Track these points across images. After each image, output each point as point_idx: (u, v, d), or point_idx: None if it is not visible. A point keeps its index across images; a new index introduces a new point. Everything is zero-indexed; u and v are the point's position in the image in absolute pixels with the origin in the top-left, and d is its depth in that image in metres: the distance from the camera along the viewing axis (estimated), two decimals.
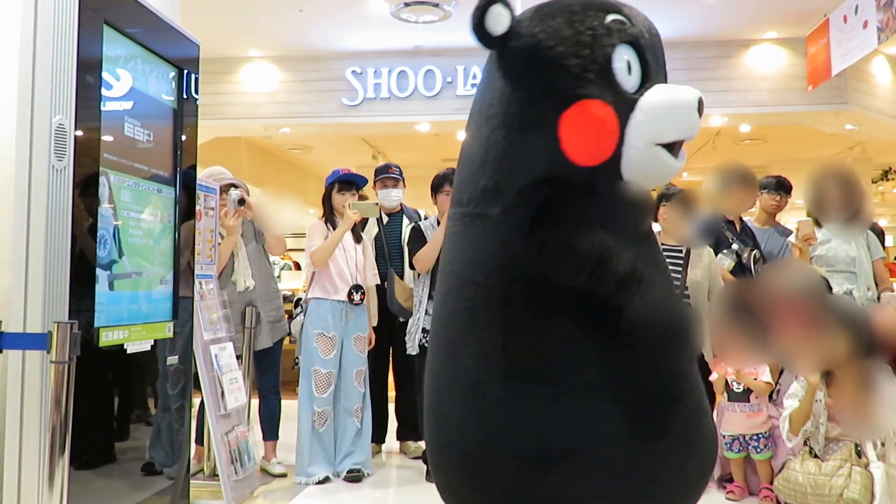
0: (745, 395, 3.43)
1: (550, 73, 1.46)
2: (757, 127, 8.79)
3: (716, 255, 3.77)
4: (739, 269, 3.78)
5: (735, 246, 3.84)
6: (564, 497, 1.50)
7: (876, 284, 3.86)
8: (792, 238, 4.01)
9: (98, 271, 2.27)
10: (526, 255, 1.47)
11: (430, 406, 1.70)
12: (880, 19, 5.31)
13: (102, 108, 2.30)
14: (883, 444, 2.91)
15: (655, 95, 1.47)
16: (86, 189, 2.22)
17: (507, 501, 1.55)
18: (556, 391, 1.49)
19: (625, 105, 1.45)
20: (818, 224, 3.83)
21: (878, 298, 3.77)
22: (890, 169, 11.44)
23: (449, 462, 1.64)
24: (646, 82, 1.50)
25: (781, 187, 4.44)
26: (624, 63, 1.48)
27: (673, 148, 1.48)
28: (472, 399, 1.56)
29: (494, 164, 1.51)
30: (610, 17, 1.49)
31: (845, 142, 9.48)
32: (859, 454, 2.93)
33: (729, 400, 3.46)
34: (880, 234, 4.29)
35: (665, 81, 1.57)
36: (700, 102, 1.47)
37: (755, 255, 3.79)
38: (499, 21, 1.47)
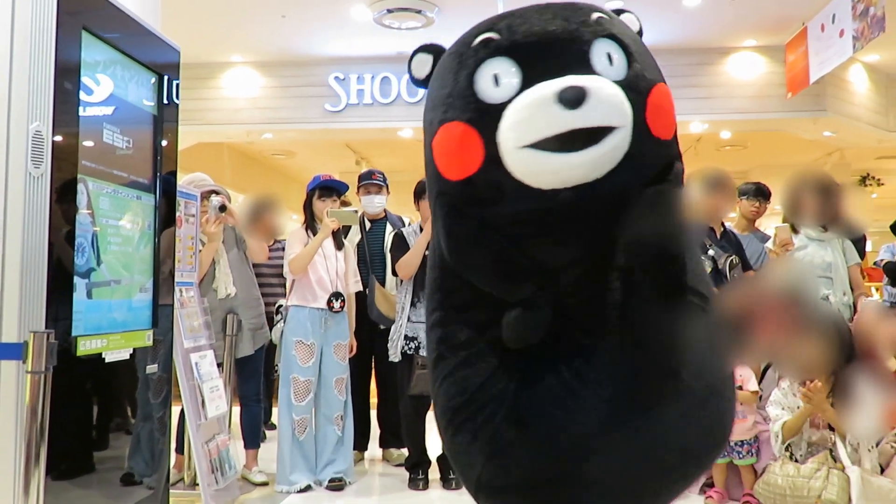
0: None
1: (432, 109, 1.55)
2: (737, 133, 8.88)
3: None
4: (715, 275, 3.80)
5: (711, 252, 3.87)
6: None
7: (852, 290, 3.90)
8: (770, 244, 4.06)
9: (76, 279, 2.25)
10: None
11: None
12: (856, 28, 5.40)
13: (81, 115, 2.28)
14: (856, 450, 2.95)
15: (520, 97, 1.41)
16: (63, 196, 2.20)
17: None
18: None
19: (489, 116, 1.43)
20: (795, 230, 3.87)
21: (854, 303, 3.82)
22: (868, 175, 11.59)
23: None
24: (530, 84, 1.42)
25: (760, 193, 4.49)
26: (489, 77, 1.45)
27: (565, 144, 1.38)
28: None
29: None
30: (479, 39, 1.52)
31: (824, 148, 9.60)
32: (835, 458, 2.96)
33: None
34: (861, 240, 4.35)
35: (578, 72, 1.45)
36: (566, 91, 1.36)
37: (731, 261, 3.82)
38: (420, 67, 1.65)
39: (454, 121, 1.47)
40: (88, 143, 2.34)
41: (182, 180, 3.83)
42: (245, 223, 3.93)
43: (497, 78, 1.45)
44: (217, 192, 3.71)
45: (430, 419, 3.90)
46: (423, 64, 1.63)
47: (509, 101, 1.42)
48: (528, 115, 1.39)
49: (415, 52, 1.63)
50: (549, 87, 1.37)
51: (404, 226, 4.29)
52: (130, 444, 2.67)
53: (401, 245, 3.83)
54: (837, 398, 3.07)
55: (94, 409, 2.50)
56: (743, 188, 4.37)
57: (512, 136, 1.40)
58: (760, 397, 3.60)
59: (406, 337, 3.77)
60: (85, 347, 2.26)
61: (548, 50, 1.48)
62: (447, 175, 1.49)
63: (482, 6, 7.05)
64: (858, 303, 3.80)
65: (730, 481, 3.54)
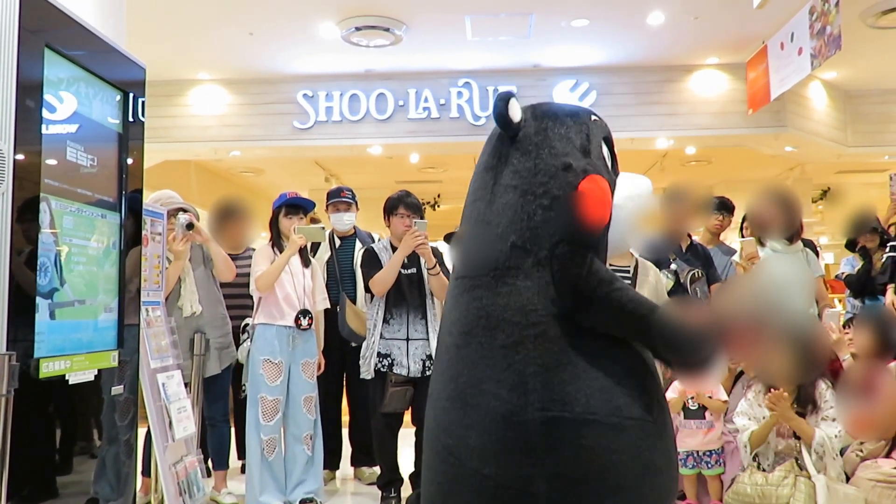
0: (701, 412, 3.50)
1: (564, 156, 1.84)
2: (701, 149, 9.05)
3: None
4: (678, 289, 3.86)
5: (674, 265, 3.93)
6: None
7: (816, 301, 3.98)
8: (736, 257, 4.13)
9: (38, 300, 2.20)
10: (563, 300, 1.76)
11: (445, 448, 1.78)
12: (813, 46, 5.54)
13: (43, 133, 2.24)
14: (822, 458, 3.00)
15: (626, 180, 1.96)
16: (25, 215, 2.16)
17: None
18: (586, 413, 1.68)
19: (612, 182, 1.90)
20: (761, 243, 3.95)
21: (819, 315, 3.89)
22: (829, 189, 11.87)
23: (474, 498, 1.72)
24: (615, 166, 1.98)
25: (724, 207, 4.57)
26: (606, 151, 1.96)
27: None
28: (506, 429, 1.69)
29: (522, 224, 1.80)
30: (593, 118, 1.99)
31: (786, 163, 9.82)
32: (801, 467, 3.01)
33: (685, 418, 3.51)
34: (814, 252, 4.45)
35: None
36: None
37: (693, 274, 3.88)
38: (516, 111, 1.89)
39: (601, 175, 1.86)
40: (51, 162, 2.30)
41: (150, 198, 3.79)
42: (211, 229, 3.91)
43: (607, 153, 1.98)
44: (185, 210, 3.67)
45: (403, 436, 3.89)
46: (517, 109, 1.92)
47: (615, 176, 1.96)
48: (640, 195, 1.96)
49: (508, 97, 1.88)
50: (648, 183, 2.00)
51: (374, 242, 4.29)
52: (95, 468, 2.61)
53: (371, 261, 3.82)
54: (802, 407, 3.13)
55: (57, 432, 2.44)
56: (707, 201, 4.45)
57: (628, 205, 1.90)
58: (727, 410, 3.65)
59: (379, 354, 3.75)
60: (48, 369, 2.22)
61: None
62: (595, 221, 1.80)
63: (449, 26, 7.15)
64: (823, 314, 3.88)
65: (698, 491, 3.57)
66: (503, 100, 1.87)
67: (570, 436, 1.67)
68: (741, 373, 3.74)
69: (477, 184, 1.96)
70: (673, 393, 3.51)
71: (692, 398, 3.49)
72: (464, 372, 1.77)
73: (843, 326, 3.69)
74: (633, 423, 1.71)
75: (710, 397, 3.51)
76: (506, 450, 1.69)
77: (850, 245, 5.10)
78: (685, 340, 1.72)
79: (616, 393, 1.72)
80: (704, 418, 3.49)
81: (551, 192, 1.80)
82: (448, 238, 4.07)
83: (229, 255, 3.98)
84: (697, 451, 3.48)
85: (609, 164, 1.96)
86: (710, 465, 3.47)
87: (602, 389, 1.71)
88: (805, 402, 3.13)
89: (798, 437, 3.09)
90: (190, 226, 3.58)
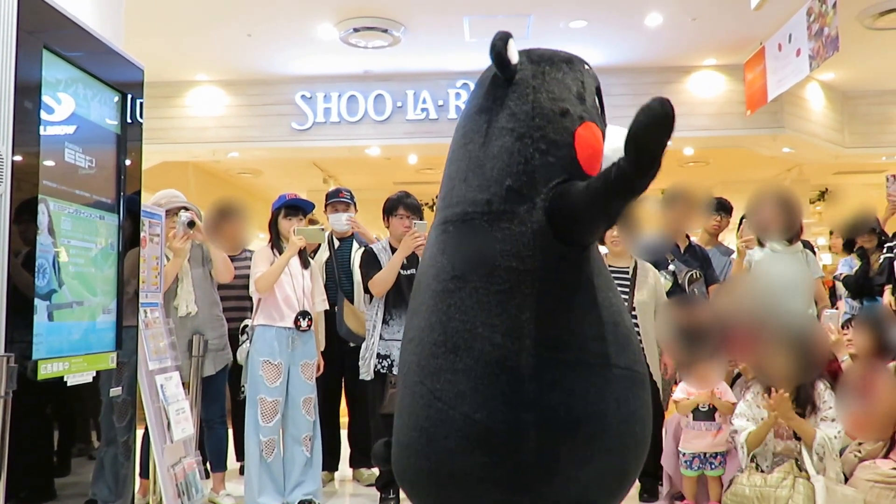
0: (711, 413, 3.48)
1: (562, 101, 1.83)
2: (699, 150, 9.05)
3: None
4: (676, 289, 3.87)
5: (672, 266, 3.94)
6: (584, 456, 1.70)
7: (815, 302, 3.99)
8: (735, 256, 4.13)
9: (36, 301, 2.20)
10: (553, 238, 1.73)
11: (431, 392, 1.75)
12: (812, 48, 5.55)
13: (42, 134, 2.24)
14: (822, 459, 3.00)
15: (618, 132, 1.84)
16: (23, 217, 2.16)
17: (530, 471, 1.68)
18: (578, 359, 1.70)
19: (603, 132, 1.89)
20: (761, 243, 3.95)
21: (818, 316, 3.90)
22: (826, 190, 11.88)
23: (462, 443, 1.71)
24: (603, 116, 1.98)
25: (722, 208, 4.58)
26: (597, 100, 1.98)
27: None
28: (499, 373, 1.68)
29: (518, 168, 1.77)
30: (586, 66, 1.98)
31: (783, 164, 9.83)
32: (800, 468, 3.01)
33: (695, 419, 3.49)
34: (811, 252, 4.46)
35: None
36: None
37: (691, 275, 3.89)
38: (514, 53, 1.86)
39: (594, 123, 1.85)
40: (49, 163, 2.30)
41: (154, 197, 3.79)
42: (208, 230, 3.90)
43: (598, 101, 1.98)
44: (187, 209, 3.67)
45: None
46: (515, 51, 1.87)
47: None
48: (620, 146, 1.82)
49: (508, 37, 1.84)
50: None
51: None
52: (94, 470, 2.61)
53: (371, 262, 3.82)
54: (801, 407, 3.13)
55: (55, 433, 2.44)
56: (706, 202, 4.46)
57: (615, 157, 1.75)
58: None
59: (378, 355, 3.75)
60: (46, 371, 2.21)
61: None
62: (587, 168, 1.78)
63: (448, 27, 7.16)
64: (822, 315, 3.88)
65: (697, 493, 3.57)
66: (502, 40, 1.84)
67: (562, 381, 1.68)
68: (738, 375, 3.74)
69: (468, 126, 1.93)
70: (681, 393, 3.50)
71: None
72: (455, 317, 1.74)
73: (842, 327, 3.69)
74: (621, 373, 1.75)
75: (718, 398, 3.50)
76: (498, 394, 1.68)
77: (849, 246, 5.11)
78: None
79: (606, 342, 1.75)
80: (714, 420, 3.48)
81: (548, 136, 1.79)
82: None
83: (227, 256, 3.97)
84: (704, 453, 3.47)
85: (600, 113, 1.97)
86: (713, 467, 3.47)
87: (594, 338, 1.73)
88: (804, 403, 3.13)
89: (798, 438, 3.09)
90: (191, 224, 3.58)
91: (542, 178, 1.76)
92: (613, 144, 1.88)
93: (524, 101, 1.84)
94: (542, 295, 1.71)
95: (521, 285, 1.71)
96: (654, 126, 1.57)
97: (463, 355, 1.72)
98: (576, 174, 1.78)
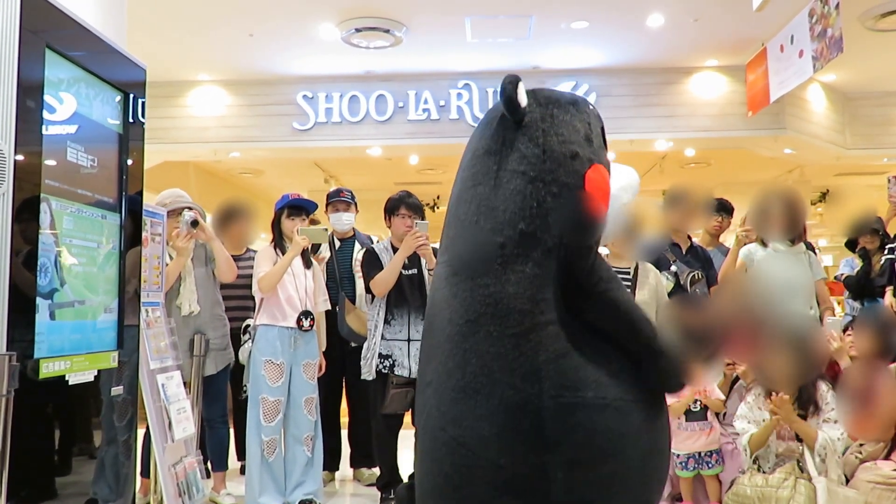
0: (703, 413, 3.50)
1: (571, 144, 1.86)
2: (700, 151, 9.05)
3: None
4: (678, 290, 3.87)
5: (674, 267, 3.93)
6: (611, 493, 1.74)
7: (818, 304, 3.98)
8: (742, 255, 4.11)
9: (38, 300, 2.20)
10: (567, 290, 1.77)
11: (454, 439, 1.75)
12: (815, 49, 5.55)
13: (44, 133, 2.24)
14: (824, 461, 2.99)
15: (618, 170, 1.97)
16: (25, 216, 2.16)
17: None
18: (597, 396, 1.71)
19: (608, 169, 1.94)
20: (763, 244, 3.95)
21: (821, 318, 3.89)
22: (828, 191, 11.88)
23: (489, 490, 1.72)
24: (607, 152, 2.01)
25: (723, 209, 4.58)
26: (601, 139, 1.99)
27: None
28: (521, 417, 1.69)
29: (532, 211, 1.79)
30: (590, 106, 2.02)
31: (785, 165, 9.83)
32: (801, 469, 3.01)
33: (687, 420, 3.51)
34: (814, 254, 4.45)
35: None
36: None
37: (693, 276, 3.89)
38: (523, 96, 1.87)
39: (602, 165, 1.89)
40: (51, 162, 2.30)
41: (158, 196, 3.80)
42: (216, 228, 3.91)
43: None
44: (190, 208, 3.68)
45: (403, 438, 3.89)
46: (524, 93, 1.88)
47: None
48: (631, 185, 1.96)
49: (517, 80, 1.85)
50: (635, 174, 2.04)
51: (373, 244, 4.29)
52: (95, 469, 2.61)
53: (372, 262, 3.82)
54: (803, 409, 3.12)
55: (56, 432, 2.44)
56: (707, 203, 4.46)
57: (623, 196, 1.91)
58: (725, 414, 3.66)
59: (380, 355, 3.75)
60: (48, 370, 2.21)
61: None
62: (599, 210, 1.83)
63: (449, 27, 7.15)
64: (824, 317, 3.88)
65: (696, 493, 3.57)
66: (512, 83, 1.85)
67: (584, 421, 1.69)
68: (736, 378, 3.74)
69: (477, 167, 1.93)
70: (671, 397, 3.50)
71: (697, 401, 3.49)
72: (472, 361, 1.74)
73: (844, 331, 3.69)
74: (640, 406, 1.76)
75: (707, 396, 3.51)
76: (521, 439, 1.68)
77: (851, 245, 5.10)
78: (668, 362, 1.79)
79: (622, 377, 1.75)
80: (706, 419, 3.49)
81: (560, 179, 1.80)
82: None
83: (231, 255, 3.98)
84: (699, 453, 3.48)
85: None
86: (710, 466, 3.48)
87: (610, 374, 1.74)
88: (806, 404, 3.13)
89: (800, 440, 3.09)
90: (194, 223, 3.58)
91: (555, 221, 1.78)
92: (619, 183, 1.93)
93: (535, 143, 1.85)
94: (556, 336, 1.73)
95: (536, 327, 1.72)
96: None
97: (483, 400, 1.72)
98: (586, 216, 1.83)
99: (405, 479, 3.88)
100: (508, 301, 1.74)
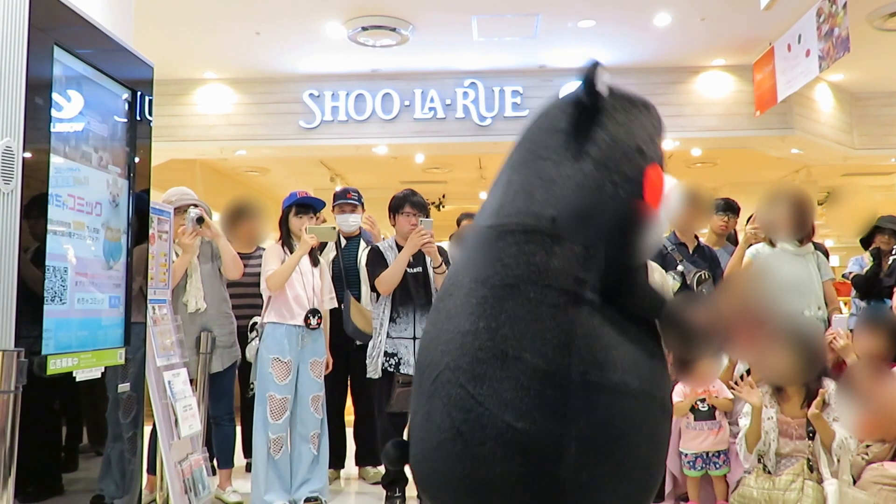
0: (711, 412, 3.49)
1: (639, 139, 1.91)
2: (707, 151, 9.03)
3: None
4: (684, 290, 3.86)
5: (680, 267, 3.92)
6: (618, 476, 1.76)
7: (826, 304, 3.97)
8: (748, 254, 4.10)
9: (46, 297, 2.21)
10: (608, 277, 1.78)
11: (471, 396, 1.74)
12: (822, 48, 5.53)
13: (52, 131, 2.25)
14: (839, 461, 2.98)
15: (670, 180, 1.98)
16: (33, 213, 2.17)
17: (567, 485, 1.70)
18: (622, 382, 1.73)
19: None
20: (772, 244, 3.93)
21: (829, 318, 3.88)
22: (828, 193, 11.83)
23: (501, 450, 1.72)
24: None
25: (730, 209, 4.56)
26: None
27: None
28: (546, 386, 1.70)
29: (591, 193, 1.81)
30: (658, 114, 2.06)
31: (791, 165, 9.79)
32: (811, 469, 2.99)
33: (696, 420, 3.50)
34: (824, 254, 4.44)
35: None
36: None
37: (700, 276, 3.88)
38: (602, 82, 1.89)
39: (661, 166, 1.93)
40: (59, 159, 2.31)
41: (165, 194, 3.81)
42: (225, 227, 3.92)
43: None
44: (196, 206, 3.69)
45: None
46: (604, 81, 1.91)
47: None
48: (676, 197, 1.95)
49: (597, 65, 1.87)
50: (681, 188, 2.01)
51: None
52: (101, 466, 2.62)
53: (377, 260, 3.82)
54: (818, 408, 3.10)
55: (63, 429, 2.45)
56: (713, 203, 4.45)
57: (669, 203, 1.91)
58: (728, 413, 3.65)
59: (386, 353, 3.75)
60: (55, 366, 2.22)
61: None
62: (652, 208, 1.86)
63: (456, 26, 7.14)
64: (832, 318, 3.86)
65: (702, 493, 3.56)
66: (594, 68, 1.88)
67: (606, 401, 1.71)
68: (742, 377, 3.73)
69: (540, 140, 1.95)
70: (677, 396, 3.50)
71: (703, 400, 3.48)
72: (505, 323, 1.74)
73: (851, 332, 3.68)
74: (655, 400, 1.81)
75: (715, 397, 3.50)
76: (544, 406, 1.69)
77: (865, 243, 5.08)
78: (691, 334, 1.83)
79: (644, 370, 1.78)
80: (714, 419, 3.49)
81: (622, 169, 1.84)
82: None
83: (241, 254, 3.99)
84: (707, 453, 3.48)
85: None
86: (717, 466, 3.47)
87: (635, 364, 1.77)
88: (812, 401, 3.12)
89: (811, 438, 3.07)
90: (200, 220, 3.59)
91: (610, 208, 1.82)
92: (671, 190, 1.97)
93: (605, 131, 1.89)
94: (592, 315, 1.75)
95: (575, 303, 1.74)
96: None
97: (511, 364, 1.72)
98: (639, 212, 1.87)
99: (410, 477, 3.89)
100: (552, 274, 1.76)
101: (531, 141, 1.98)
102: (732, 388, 3.32)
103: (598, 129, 1.89)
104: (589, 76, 1.87)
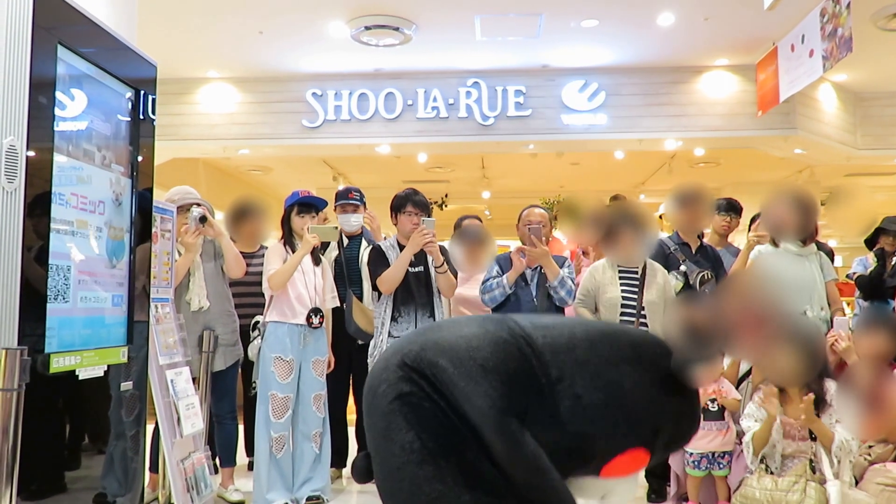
0: (720, 413, 3.48)
1: None
2: (710, 150, 9.02)
3: None
4: (687, 290, 3.86)
5: (683, 267, 3.92)
6: None
7: (829, 305, 3.96)
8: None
9: (49, 296, 2.21)
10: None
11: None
12: (825, 48, 5.52)
13: (55, 129, 2.26)
14: (840, 462, 2.97)
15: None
16: (37, 211, 2.17)
17: None
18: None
19: None
20: (775, 244, 3.93)
21: (831, 318, 3.87)
22: (829, 194, 11.77)
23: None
24: None
25: (732, 209, 4.56)
26: None
27: None
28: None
29: None
30: None
31: (795, 165, 9.77)
32: (814, 470, 2.99)
33: (705, 419, 3.49)
34: (829, 255, 4.43)
35: None
36: None
37: (703, 276, 3.87)
38: None
39: None
40: (63, 158, 2.31)
41: (167, 193, 3.82)
42: (228, 226, 3.92)
43: None
44: (200, 205, 3.70)
45: None
46: None
47: None
48: None
49: None
50: None
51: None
52: (104, 464, 2.62)
53: (378, 259, 3.82)
54: (815, 407, 3.09)
55: (66, 427, 2.45)
56: (714, 203, 4.44)
57: None
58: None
59: None
60: (58, 364, 2.23)
61: None
62: None
63: (459, 25, 7.13)
64: (835, 318, 3.86)
65: (703, 494, 3.56)
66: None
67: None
68: (742, 377, 3.73)
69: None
70: None
71: (713, 400, 3.47)
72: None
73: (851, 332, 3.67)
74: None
75: (724, 397, 3.50)
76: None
77: (870, 243, 5.07)
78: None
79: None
80: (723, 419, 3.48)
81: None
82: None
83: (244, 253, 3.99)
84: (713, 453, 3.47)
85: None
86: (721, 467, 3.47)
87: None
88: (816, 403, 3.11)
89: (813, 439, 3.07)
90: (203, 219, 3.60)
91: None
92: None
93: None
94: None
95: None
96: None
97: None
98: None
99: None
100: None
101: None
102: (762, 402, 3.25)
103: None
104: None
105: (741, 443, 3.49)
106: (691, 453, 3.49)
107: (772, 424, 3.10)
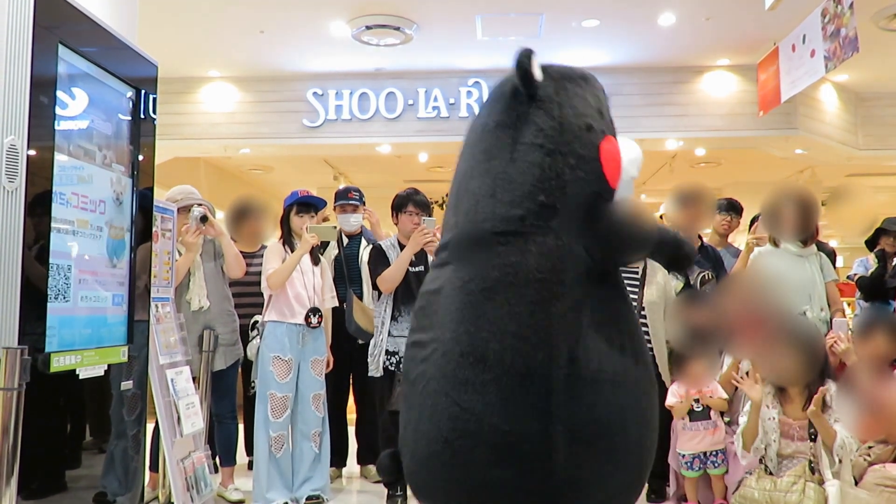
0: (706, 412, 3.49)
1: (585, 117, 1.89)
2: (711, 151, 9.01)
3: None
4: (687, 290, 3.85)
5: None
6: (609, 467, 1.78)
7: (829, 306, 3.96)
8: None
9: (49, 295, 2.21)
10: (588, 253, 1.80)
11: (456, 404, 1.75)
12: (827, 48, 5.51)
13: (56, 129, 2.26)
14: (840, 461, 2.97)
15: (634, 147, 2.00)
16: (37, 210, 2.17)
17: (559, 483, 1.72)
18: (601, 370, 1.75)
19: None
20: (775, 244, 3.93)
21: (831, 319, 3.87)
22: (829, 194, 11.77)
23: (491, 455, 1.73)
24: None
25: (732, 208, 4.56)
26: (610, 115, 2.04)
27: None
28: (529, 385, 1.71)
29: (551, 183, 1.81)
30: (598, 82, 2.07)
31: (796, 165, 9.77)
32: (813, 470, 2.99)
33: (691, 420, 3.50)
34: (831, 255, 4.43)
35: None
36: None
37: (704, 276, 3.87)
38: (538, 70, 1.89)
39: (614, 137, 1.92)
40: (63, 157, 2.31)
41: (169, 193, 3.82)
42: (229, 226, 3.92)
43: None
44: (201, 204, 3.70)
45: None
46: (538, 67, 1.90)
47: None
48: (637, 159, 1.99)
49: (531, 53, 1.86)
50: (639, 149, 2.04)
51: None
52: (104, 463, 2.63)
53: (379, 258, 3.82)
54: (817, 406, 3.09)
55: (67, 426, 2.46)
56: (716, 203, 4.44)
57: (631, 169, 1.94)
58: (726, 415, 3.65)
59: (387, 352, 3.75)
60: (59, 363, 2.23)
61: None
62: (612, 181, 1.87)
63: (460, 25, 7.13)
64: (834, 319, 3.86)
65: (701, 493, 3.56)
66: (527, 56, 1.86)
67: (589, 394, 1.72)
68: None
69: (489, 141, 1.94)
70: (673, 397, 3.51)
71: (697, 400, 3.48)
72: (484, 327, 1.75)
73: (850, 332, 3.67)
74: (636, 385, 1.82)
75: (710, 397, 3.50)
76: (528, 406, 1.70)
77: (870, 244, 5.07)
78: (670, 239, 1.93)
79: (625, 354, 1.81)
80: (710, 418, 3.49)
81: (576, 151, 1.84)
82: None
83: (245, 253, 3.99)
84: (705, 453, 3.48)
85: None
86: (716, 465, 3.47)
87: (617, 348, 1.79)
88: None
89: (812, 440, 3.07)
90: (204, 219, 3.60)
91: (573, 193, 1.81)
92: (629, 156, 1.95)
93: (550, 116, 1.87)
94: (571, 309, 1.76)
95: (553, 298, 1.75)
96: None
97: (493, 366, 1.72)
98: (603, 187, 1.86)
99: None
100: (529, 271, 1.77)
101: (480, 142, 1.97)
102: (738, 382, 3.31)
103: (543, 117, 1.87)
104: (523, 64, 1.85)
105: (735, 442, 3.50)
106: (683, 455, 3.50)
107: (758, 411, 3.11)
